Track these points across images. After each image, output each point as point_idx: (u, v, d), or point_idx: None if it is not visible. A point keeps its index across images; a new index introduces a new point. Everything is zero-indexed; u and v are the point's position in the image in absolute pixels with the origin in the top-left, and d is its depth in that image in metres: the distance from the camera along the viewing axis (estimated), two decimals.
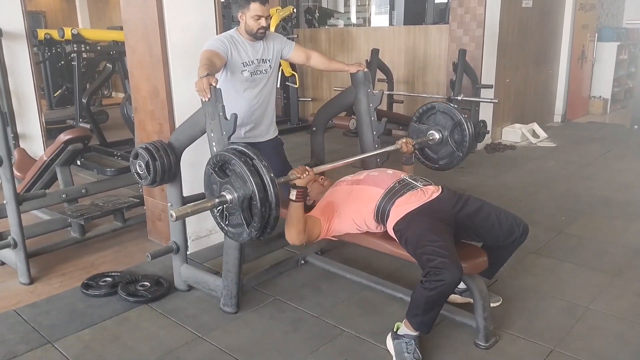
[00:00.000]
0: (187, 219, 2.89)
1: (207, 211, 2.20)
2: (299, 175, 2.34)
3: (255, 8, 2.85)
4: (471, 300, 2.41)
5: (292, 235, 2.40)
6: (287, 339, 2.47)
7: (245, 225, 2.13)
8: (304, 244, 2.52)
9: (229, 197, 2.14)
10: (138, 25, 3.19)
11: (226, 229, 2.24)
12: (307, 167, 2.38)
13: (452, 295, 2.61)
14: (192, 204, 2.15)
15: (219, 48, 2.81)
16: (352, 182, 2.58)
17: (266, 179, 2.06)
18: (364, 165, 3.25)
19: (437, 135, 3.13)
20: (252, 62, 2.96)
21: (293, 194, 2.35)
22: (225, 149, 2.20)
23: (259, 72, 3.00)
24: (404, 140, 2.90)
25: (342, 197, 2.54)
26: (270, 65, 3.05)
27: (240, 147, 2.15)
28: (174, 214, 2.05)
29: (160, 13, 3.03)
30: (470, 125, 3.07)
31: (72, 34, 5.84)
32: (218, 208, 2.20)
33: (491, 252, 2.40)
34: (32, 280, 3.03)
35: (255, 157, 2.10)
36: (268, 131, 3.16)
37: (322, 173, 2.97)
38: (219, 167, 2.19)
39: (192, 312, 2.70)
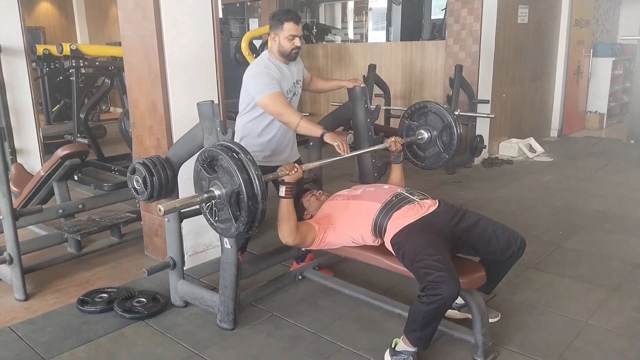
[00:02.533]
0: (184, 234, 2.89)
1: (203, 220, 2.23)
2: (288, 172, 2.37)
3: (289, 28, 2.81)
4: (469, 316, 2.40)
5: (284, 232, 2.44)
6: (285, 356, 2.45)
7: (234, 220, 2.16)
8: (297, 246, 2.53)
9: (217, 192, 2.18)
10: (137, 41, 3.21)
11: (215, 224, 2.27)
12: (295, 164, 2.41)
13: (451, 311, 2.60)
14: (181, 198, 2.18)
15: (277, 87, 2.79)
16: (349, 197, 2.59)
17: (252, 174, 2.10)
18: (361, 179, 3.25)
19: (425, 135, 3.18)
20: (293, 85, 2.97)
21: (282, 191, 2.40)
22: (213, 145, 2.22)
23: (294, 95, 3.01)
24: (392, 139, 2.93)
25: (339, 212, 2.55)
26: (300, 86, 3.07)
27: (228, 143, 2.18)
28: (162, 208, 2.05)
29: (159, 29, 3.05)
30: (459, 128, 3.11)
31: (71, 50, 5.85)
32: (207, 204, 2.23)
33: (489, 267, 2.40)
34: (27, 297, 3.00)
35: (241, 152, 2.13)
36: (295, 152, 3.17)
37: (319, 187, 2.99)
38: (207, 164, 2.22)
39: (188, 329, 2.68)
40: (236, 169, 2.08)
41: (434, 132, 3.14)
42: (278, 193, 2.46)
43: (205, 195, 2.18)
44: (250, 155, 2.14)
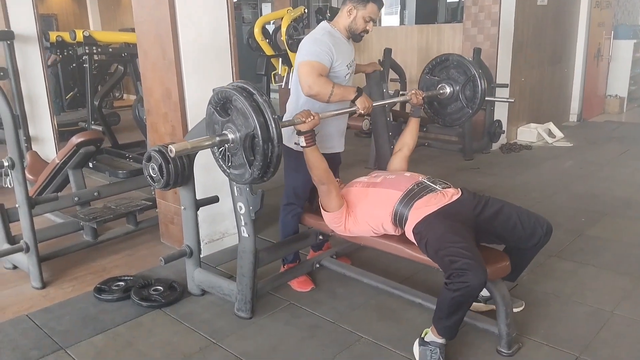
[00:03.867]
0: (200, 222, 2.86)
1: (219, 207, 2.16)
2: (304, 120, 2.29)
3: (372, 10, 2.66)
4: (495, 308, 2.33)
5: (318, 174, 2.39)
6: (304, 345, 2.42)
7: (248, 165, 2.09)
8: (326, 198, 2.48)
9: (230, 136, 2.10)
10: (151, 28, 3.15)
11: (228, 170, 2.21)
12: (311, 111, 2.33)
13: (476, 302, 2.54)
14: (193, 140, 2.11)
15: (324, 59, 2.58)
16: (369, 185, 2.52)
17: (268, 116, 2.01)
18: (378, 166, 3.18)
19: (448, 89, 3.03)
20: (352, 62, 2.80)
21: (302, 140, 2.33)
22: (227, 85, 2.14)
23: (350, 75, 2.82)
24: (413, 91, 2.84)
25: (358, 199, 2.49)
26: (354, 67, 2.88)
27: (241, 84, 2.10)
28: (173, 149, 1.97)
29: (173, 15, 2.99)
30: (484, 81, 2.96)
31: (84, 36, 5.81)
32: (220, 149, 2.16)
33: (514, 254, 2.33)
34: (44, 285, 3.00)
35: (255, 93, 2.05)
36: (341, 144, 2.96)
37: (337, 175, 2.93)
38: (220, 106, 2.14)
39: (206, 317, 2.66)
40: (252, 110, 1.99)
41: (456, 86, 2.99)
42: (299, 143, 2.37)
43: (218, 139, 2.09)
44: (266, 96, 2.05)
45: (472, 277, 1.98)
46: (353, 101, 2.61)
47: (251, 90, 2.07)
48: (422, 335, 2.24)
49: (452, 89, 3.01)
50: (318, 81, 2.53)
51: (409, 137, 2.83)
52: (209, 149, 2.25)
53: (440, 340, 2.18)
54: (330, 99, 2.57)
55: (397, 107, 5.69)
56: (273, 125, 2.01)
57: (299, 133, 2.32)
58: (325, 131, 2.72)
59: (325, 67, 2.57)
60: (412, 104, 2.83)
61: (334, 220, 2.53)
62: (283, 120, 2.55)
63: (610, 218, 3.85)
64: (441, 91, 3.03)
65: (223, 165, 2.22)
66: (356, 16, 2.66)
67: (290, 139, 2.69)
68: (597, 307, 2.65)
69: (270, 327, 2.56)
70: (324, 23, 2.75)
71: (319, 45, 2.59)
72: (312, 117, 2.30)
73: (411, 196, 2.33)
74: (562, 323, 2.52)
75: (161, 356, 2.36)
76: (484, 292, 2.44)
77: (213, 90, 2.17)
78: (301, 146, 2.36)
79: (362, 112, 2.60)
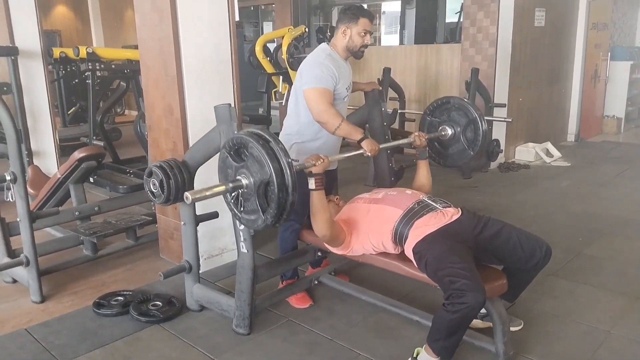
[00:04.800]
0: (199, 237, 2.87)
1: (218, 223, 2.17)
2: (314, 163, 2.33)
3: (364, 23, 2.71)
4: (491, 325, 2.34)
5: (319, 223, 2.40)
6: None
7: (261, 212, 2.10)
8: (328, 243, 2.52)
9: (244, 182, 2.11)
10: (154, 44, 3.21)
11: (240, 215, 2.21)
12: (320, 155, 2.37)
13: (474, 319, 2.55)
14: (208, 187, 2.12)
15: (329, 84, 2.64)
16: (370, 201, 2.55)
17: (284, 163, 2.03)
18: (377, 182, 3.21)
19: (449, 131, 3.09)
20: (350, 84, 2.86)
21: (312, 183, 2.36)
22: (241, 132, 2.16)
23: (347, 97, 2.88)
24: (417, 133, 2.89)
25: (360, 215, 2.52)
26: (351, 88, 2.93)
27: (257, 131, 2.12)
28: (189, 196, 2.00)
29: (176, 32, 3.05)
30: (485, 123, 3.01)
31: (87, 53, 5.89)
32: (233, 194, 2.17)
33: (513, 275, 2.35)
34: (43, 299, 3.00)
35: (272, 140, 2.07)
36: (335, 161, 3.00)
37: (335, 192, 2.96)
38: (234, 151, 2.15)
39: (204, 333, 2.66)
40: (267, 157, 2.00)
41: (457, 128, 3.05)
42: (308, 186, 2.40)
43: (231, 185, 2.12)
44: (282, 144, 2.07)
45: (471, 298, 1.99)
46: (359, 142, 2.67)
47: (267, 137, 2.09)
48: (415, 355, 2.25)
49: (453, 130, 3.08)
50: (329, 111, 2.62)
51: (423, 179, 2.88)
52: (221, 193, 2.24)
53: (436, 359, 2.18)
54: (335, 132, 2.67)
55: (395, 125, 5.74)
56: (289, 174, 2.03)
57: (310, 175, 2.37)
58: (331, 147, 2.82)
59: (331, 93, 2.65)
60: (416, 145, 2.87)
61: (340, 251, 2.57)
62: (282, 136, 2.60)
63: (607, 237, 3.87)
64: (443, 132, 3.11)
65: (235, 210, 2.23)
66: (351, 34, 2.72)
67: (289, 153, 2.74)
68: (594, 326, 2.66)
69: (268, 344, 2.56)
70: (323, 45, 2.81)
71: (324, 70, 2.64)
72: (321, 160, 2.35)
73: (411, 215, 2.36)
74: (559, 342, 2.53)
75: None
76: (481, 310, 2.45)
77: (227, 137, 2.22)
78: (310, 189, 2.39)
79: (370, 154, 2.66)
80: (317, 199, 2.39)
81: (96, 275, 3.35)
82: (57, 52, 7.78)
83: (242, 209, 2.19)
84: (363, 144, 2.66)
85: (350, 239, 2.49)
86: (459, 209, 2.44)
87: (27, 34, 4.65)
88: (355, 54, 2.79)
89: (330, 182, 2.98)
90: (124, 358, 2.46)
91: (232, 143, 2.15)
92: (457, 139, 3.07)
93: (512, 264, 2.36)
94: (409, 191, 2.57)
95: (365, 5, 12.92)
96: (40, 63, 4.76)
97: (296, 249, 2.98)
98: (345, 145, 2.87)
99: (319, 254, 2.97)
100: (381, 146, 2.77)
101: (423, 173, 2.88)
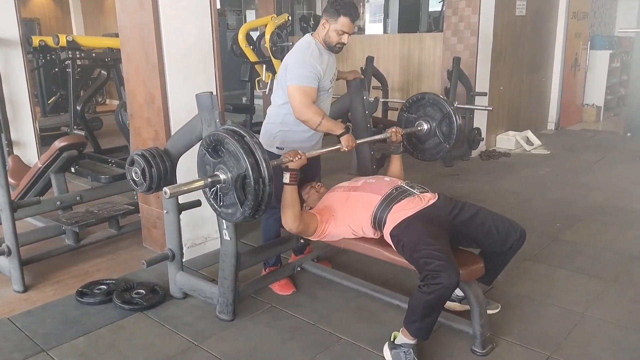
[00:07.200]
0: (182, 226, 2.89)
1: (201, 211, 2.20)
2: (291, 159, 2.37)
3: (343, 23, 2.69)
4: (469, 307, 2.40)
5: (288, 218, 2.45)
6: (284, 346, 2.46)
7: (239, 205, 2.15)
8: (299, 234, 2.58)
9: (222, 176, 2.17)
10: (134, 32, 3.19)
11: (219, 210, 2.26)
12: (299, 151, 2.42)
13: (451, 303, 2.62)
14: (187, 182, 2.16)
15: (314, 83, 2.67)
16: (349, 189, 2.59)
17: (259, 157, 2.09)
18: (360, 171, 3.25)
19: (425, 126, 3.18)
20: (334, 75, 2.89)
21: (286, 177, 2.40)
22: (218, 129, 2.21)
23: (333, 85, 2.90)
24: (393, 129, 2.94)
25: (339, 203, 2.56)
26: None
27: (233, 127, 2.18)
28: (168, 191, 2.05)
29: (157, 19, 3.03)
30: (459, 118, 3.11)
31: (67, 41, 5.81)
32: (212, 189, 2.22)
33: (489, 259, 2.41)
34: (26, 288, 3.00)
35: (246, 135, 2.13)
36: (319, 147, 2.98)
37: (318, 180, 2.99)
38: (212, 148, 2.21)
39: (187, 320, 2.68)
40: (243, 152, 2.07)
41: (433, 123, 3.16)
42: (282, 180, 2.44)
43: (210, 180, 2.17)
44: (256, 138, 2.13)
45: (445, 278, 2.05)
46: (339, 137, 2.71)
47: (242, 132, 2.14)
48: (392, 339, 2.30)
49: (429, 125, 3.17)
50: (310, 109, 2.66)
51: (396, 172, 2.93)
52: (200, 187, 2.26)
53: (412, 342, 2.24)
54: (317, 129, 2.72)
55: (378, 114, 5.77)
56: (264, 167, 2.09)
57: (286, 170, 2.40)
58: (304, 136, 2.84)
59: (315, 90, 2.69)
60: (392, 141, 2.92)
61: (314, 238, 2.62)
62: (262, 133, 2.64)
63: (584, 223, 3.96)
64: (419, 128, 3.19)
65: (214, 204, 2.27)
66: (329, 30, 2.72)
67: (272, 143, 2.77)
68: (569, 308, 2.74)
69: (252, 329, 2.60)
70: (308, 37, 2.82)
71: (308, 68, 2.66)
72: (299, 157, 2.39)
73: (390, 200, 2.41)
74: (535, 324, 2.60)
75: (143, 358, 2.38)
76: (459, 292, 2.51)
77: (203, 133, 2.24)
78: (283, 182, 2.42)
79: (346, 149, 2.70)
80: (289, 194, 2.43)
81: (79, 265, 3.35)
82: (36, 40, 7.67)
83: (221, 203, 2.24)
84: (342, 139, 2.70)
85: (325, 227, 2.53)
86: (436, 194, 2.50)
87: (5, 23, 4.59)
88: (331, 49, 2.80)
89: (314, 169, 3.02)
90: (107, 345, 2.48)
91: (209, 140, 2.20)
92: (433, 134, 3.17)
93: (488, 247, 2.41)
94: (387, 178, 2.62)
95: None
96: (19, 52, 4.70)
97: (279, 236, 3.01)
98: (329, 134, 2.90)
99: (302, 241, 3.00)
100: (358, 142, 2.83)
101: (397, 166, 2.95)
